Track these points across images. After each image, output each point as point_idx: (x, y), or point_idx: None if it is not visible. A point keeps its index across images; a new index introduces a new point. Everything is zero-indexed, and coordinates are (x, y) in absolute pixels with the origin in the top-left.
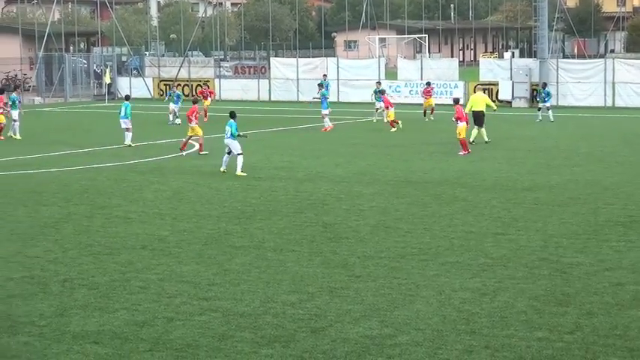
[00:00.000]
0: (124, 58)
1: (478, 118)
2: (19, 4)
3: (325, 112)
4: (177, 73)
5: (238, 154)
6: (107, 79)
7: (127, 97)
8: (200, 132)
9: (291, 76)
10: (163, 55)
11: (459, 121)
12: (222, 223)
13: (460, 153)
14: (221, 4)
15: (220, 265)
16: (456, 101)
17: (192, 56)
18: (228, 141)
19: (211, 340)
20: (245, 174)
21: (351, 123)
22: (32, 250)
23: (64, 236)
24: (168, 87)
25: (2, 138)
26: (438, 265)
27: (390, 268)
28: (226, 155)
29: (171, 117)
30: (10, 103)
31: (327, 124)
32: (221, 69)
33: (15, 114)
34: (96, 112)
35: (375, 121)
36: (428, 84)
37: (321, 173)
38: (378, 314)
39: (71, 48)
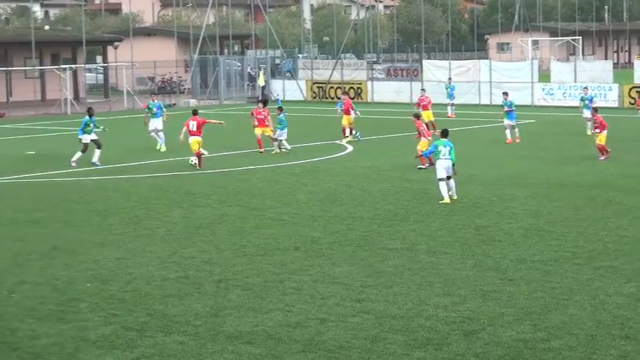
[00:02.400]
0: (277, 61)
1: None
2: (174, 8)
3: (509, 122)
4: (330, 76)
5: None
6: (261, 82)
7: (282, 109)
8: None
9: (443, 79)
10: (316, 58)
11: (599, 130)
12: (375, 225)
13: (600, 158)
14: (374, 6)
15: (373, 267)
16: (596, 110)
17: (344, 59)
18: (447, 163)
19: (364, 342)
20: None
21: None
22: (187, 250)
23: (218, 237)
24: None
25: (262, 151)
26: (591, 269)
27: (543, 272)
28: (443, 182)
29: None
30: (147, 111)
31: (507, 135)
32: (373, 71)
33: (157, 123)
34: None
35: (589, 133)
36: None
37: (473, 176)
38: (531, 318)
39: (225, 51)
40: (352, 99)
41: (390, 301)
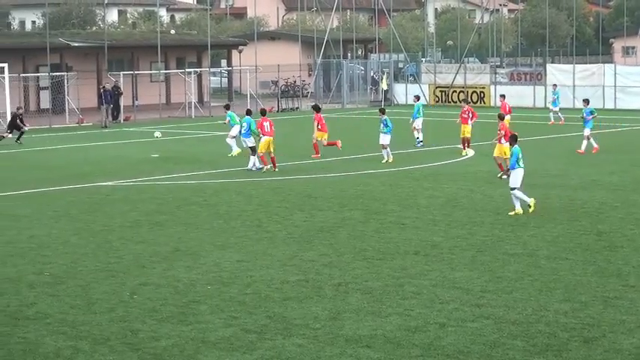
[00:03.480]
0: (400, 65)
1: None
2: (299, 12)
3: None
4: (453, 80)
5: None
6: (384, 86)
7: (383, 111)
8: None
9: (567, 83)
10: (439, 62)
11: None
12: (496, 230)
13: None
14: (498, 10)
15: (493, 272)
16: None
17: (468, 62)
18: (520, 172)
19: (483, 347)
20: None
21: (628, 130)
22: (308, 253)
23: (338, 241)
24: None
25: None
26: None
27: None
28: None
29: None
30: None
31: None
32: (497, 75)
33: (234, 130)
34: (372, 118)
35: None
36: None
37: (595, 181)
38: None
39: (349, 54)
40: (475, 103)
41: (510, 307)
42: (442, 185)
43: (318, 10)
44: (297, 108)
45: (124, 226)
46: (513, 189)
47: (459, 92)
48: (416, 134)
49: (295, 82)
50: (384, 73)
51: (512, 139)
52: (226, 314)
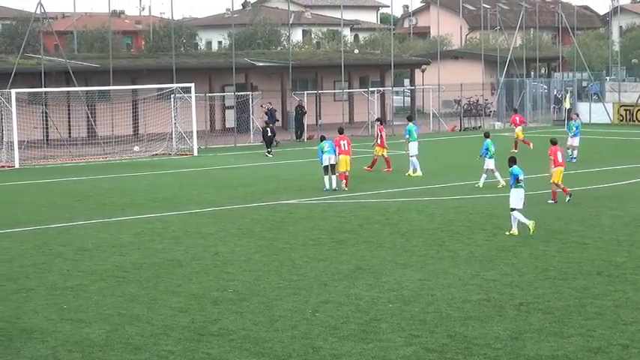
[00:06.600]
0: (584, 83)
1: None
2: (482, 31)
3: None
4: (638, 98)
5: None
6: (567, 105)
7: (487, 135)
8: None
9: None
10: (624, 80)
11: None
12: None
13: None
14: None
15: None
16: None
17: None
18: (519, 192)
19: None
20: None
21: None
22: (489, 273)
23: (520, 260)
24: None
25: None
26: None
27: None
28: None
29: (569, 152)
30: (407, 135)
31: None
32: None
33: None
34: (555, 136)
35: None
36: None
37: None
38: None
39: (532, 73)
40: None
41: None
42: (626, 204)
43: (501, 29)
44: (479, 127)
45: (306, 244)
46: (513, 209)
47: (637, 111)
48: (570, 152)
49: (478, 100)
50: (567, 92)
51: (511, 161)
52: (407, 333)
